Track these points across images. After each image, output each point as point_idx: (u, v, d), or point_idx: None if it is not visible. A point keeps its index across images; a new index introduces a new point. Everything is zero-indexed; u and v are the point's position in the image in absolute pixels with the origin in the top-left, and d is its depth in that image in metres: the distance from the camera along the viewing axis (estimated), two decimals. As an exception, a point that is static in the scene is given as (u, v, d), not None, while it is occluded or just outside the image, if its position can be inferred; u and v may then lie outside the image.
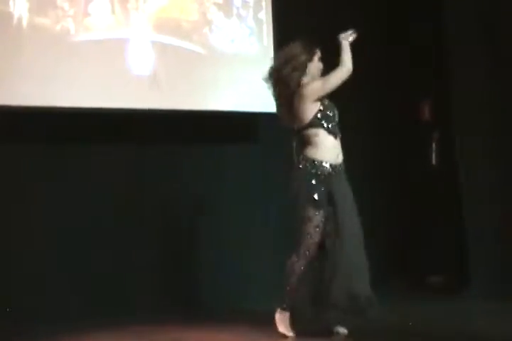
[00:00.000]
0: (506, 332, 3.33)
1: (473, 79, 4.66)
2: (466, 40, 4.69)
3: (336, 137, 3.41)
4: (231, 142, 4.74)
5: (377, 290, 4.60)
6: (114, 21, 4.39)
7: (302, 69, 3.41)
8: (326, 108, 3.41)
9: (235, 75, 4.66)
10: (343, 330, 3.33)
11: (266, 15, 4.78)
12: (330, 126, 3.38)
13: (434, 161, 5.04)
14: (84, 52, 4.26)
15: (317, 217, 3.31)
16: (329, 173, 3.36)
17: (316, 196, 3.32)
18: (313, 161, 3.34)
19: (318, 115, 3.38)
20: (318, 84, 3.38)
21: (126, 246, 4.34)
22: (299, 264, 3.32)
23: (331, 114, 3.41)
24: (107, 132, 4.35)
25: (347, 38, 3.44)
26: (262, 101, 4.64)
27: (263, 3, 4.80)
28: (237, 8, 4.74)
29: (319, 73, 3.47)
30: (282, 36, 4.58)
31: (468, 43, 4.68)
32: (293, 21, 4.79)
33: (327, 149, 3.37)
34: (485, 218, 4.58)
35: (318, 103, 3.39)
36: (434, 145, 5.05)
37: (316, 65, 3.46)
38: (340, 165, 3.42)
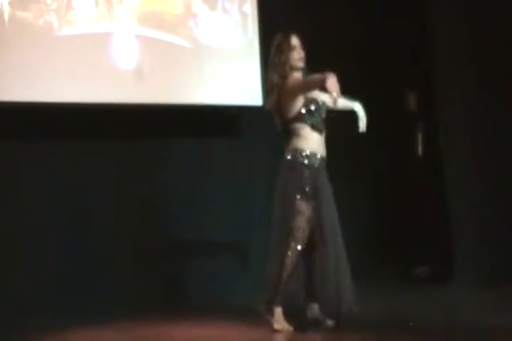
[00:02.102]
0: (491, 321, 3.38)
1: (458, 68, 4.69)
2: (452, 31, 4.71)
3: (320, 133, 3.41)
4: (216, 135, 4.74)
5: (364, 280, 4.67)
6: (98, 15, 4.35)
7: (284, 60, 3.38)
8: (310, 103, 3.39)
9: (220, 69, 4.64)
10: (329, 322, 3.36)
11: (251, 8, 4.76)
12: (314, 122, 3.37)
13: (419, 151, 5.07)
14: (68, 46, 4.22)
15: (308, 210, 3.32)
16: (318, 166, 3.37)
17: (307, 188, 3.32)
18: (302, 152, 3.34)
19: (303, 110, 3.37)
20: (295, 82, 3.35)
21: (108, 240, 4.33)
22: (290, 259, 3.30)
23: (315, 110, 3.39)
24: (91, 127, 4.33)
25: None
26: (248, 94, 4.66)
27: (248, -4, 4.78)
28: (222, 1, 4.72)
29: (299, 62, 3.40)
30: (267, 29, 4.56)
31: (453, 34, 4.70)
32: (278, 14, 4.77)
33: (314, 142, 3.38)
34: (470, 208, 4.62)
35: (302, 98, 3.38)
36: (419, 135, 5.07)
37: (294, 55, 3.40)
38: (324, 160, 3.42)
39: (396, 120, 5.19)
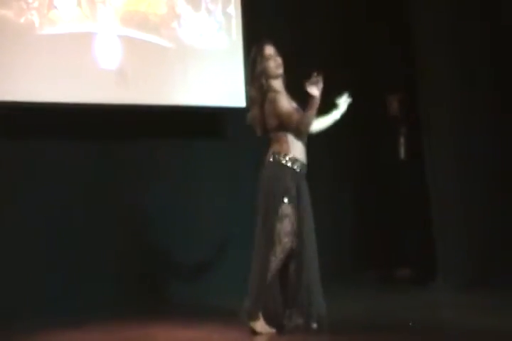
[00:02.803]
0: (472, 323, 3.39)
1: (441, 72, 4.71)
2: (434, 35, 4.74)
3: (303, 142, 3.39)
4: (199, 137, 4.72)
5: (347, 283, 4.68)
6: (81, 14, 4.31)
7: (260, 71, 3.36)
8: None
9: (204, 70, 4.63)
10: (314, 325, 3.32)
11: (235, 9, 4.76)
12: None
13: (402, 155, 5.09)
14: (50, 45, 4.19)
15: (293, 214, 3.29)
16: (300, 171, 3.36)
17: (292, 191, 3.30)
18: (285, 155, 3.34)
19: None
20: (281, 109, 3.29)
21: (92, 242, 4.30)
22: (274, 263, 3.27)
23: None
24: (73, 127, 4.29)
25: (315, 85, 3.25)
26: (231, 96, 4.65)
27: (232, -2, 4.78)
28: (206, 2, 4.71)
29: (277, 70, 3.37)
30: (251, 31, 4.57)
31: (436, 38, 4.73)
32: (262, 16, 4.78)
33: (297, 148, 3.36)
34: (452, 211, 4.65)
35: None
36: (402, 139, 5.10)
37: (270, 63, 3.36)
38: (305, 167, 3.41)
39: (378, 123, 5.21)
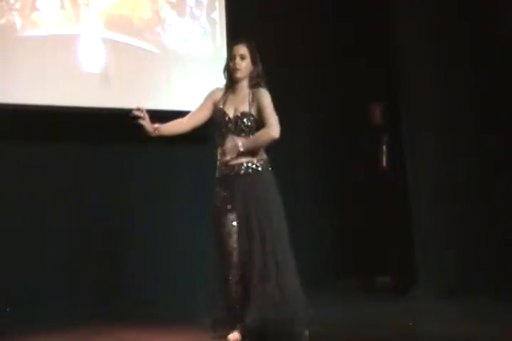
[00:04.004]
0: (451, 331, 3.40)
1: (422, 81, 4.75)
2: (417, 44, 4.78)
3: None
4: (182, 142, 4.69)
5: (326, 290, 4.67)
6: (64, 17, 4.29)
7: (224, 69, 3.33)
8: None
9: (187, 75, 4.62)
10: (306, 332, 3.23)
11: (219, 15, 4.77)
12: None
13: (384, 163, 5.11)
14: (32, 47, 4.15)
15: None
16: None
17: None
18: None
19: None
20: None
21: (64, 245, 4.26)
22: (228, 270, 3.14)
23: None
24: (54, 131, 4.24)
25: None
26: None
27: (216, 3, 4.78)
28: (191, 7, 4.71)
29: (235, 73, 3.26)
30: (235, 37, 4.56)
31: (418, 47, 4.77)
32: (246, 22, 4.79)
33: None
34: (432, 219, 4.67)
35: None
36: (384, 147, 5.12)
37: (231, 64, 3.28)
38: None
39: (361, 132, 5.24)
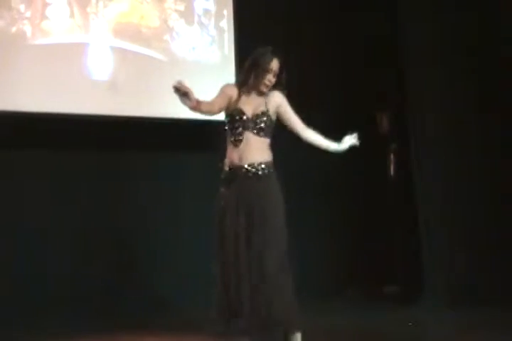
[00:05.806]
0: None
1: (430, 90, 4.75)
2: (423, 51, 4.78)
3: None
4: (188, 150, 4.71)
5: (334, 300, 4.65)
6: (73, 25, 4.32)
7: (255, 77, 3.27)
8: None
9: (195, 83, 4.57)
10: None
11: (227, 23, 4.78)
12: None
13: (391, 172, 5.10)
14: (41, 55, 4.19)
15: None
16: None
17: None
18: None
19: None
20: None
21: (70, 256, 4.27)
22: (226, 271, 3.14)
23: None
24: (63, 138, 4.27)
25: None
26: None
27: (225, 12, 4.80)
28: (199, 15, 4.74)
29: (262, 86, 3.24)
30: (244, 45, 4.58)
31: (425, 55, 4.77)
32: (254, 30, 4.80)
33: None
34: (440, 229, 4.65)
35: None
36: (391, 156, 5.11)
37: (266, 76, 3.24)
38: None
39: (368, 140, 5.22)
